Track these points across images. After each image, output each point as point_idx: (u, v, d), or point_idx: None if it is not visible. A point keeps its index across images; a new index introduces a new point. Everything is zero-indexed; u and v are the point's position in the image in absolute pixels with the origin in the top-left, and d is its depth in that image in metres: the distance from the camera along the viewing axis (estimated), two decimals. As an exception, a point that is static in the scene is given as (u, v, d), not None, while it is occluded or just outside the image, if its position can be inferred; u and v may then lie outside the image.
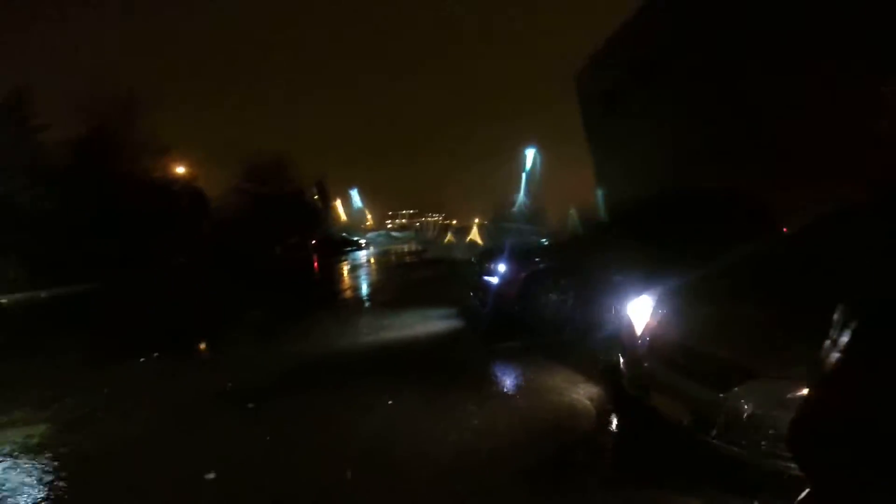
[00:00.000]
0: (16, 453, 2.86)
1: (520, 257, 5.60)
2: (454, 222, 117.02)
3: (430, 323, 6.06)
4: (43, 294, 13.39)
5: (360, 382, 3.81)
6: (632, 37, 14.50)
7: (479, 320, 5.91)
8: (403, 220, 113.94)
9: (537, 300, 5.10)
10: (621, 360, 2.84)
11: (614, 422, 2.83)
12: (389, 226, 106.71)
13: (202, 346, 6.05)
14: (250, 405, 3.44)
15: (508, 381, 3.70)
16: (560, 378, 3.55)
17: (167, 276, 18.39)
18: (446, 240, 49.22)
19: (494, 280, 5.58)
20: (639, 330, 2.67)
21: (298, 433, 2.93)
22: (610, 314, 4.34)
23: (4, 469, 2.67)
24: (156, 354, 5.28)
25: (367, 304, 8.86)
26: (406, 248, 42.21)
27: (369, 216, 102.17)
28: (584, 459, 2.38)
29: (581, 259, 5.31)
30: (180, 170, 27.10)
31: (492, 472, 2.29)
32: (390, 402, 3.28)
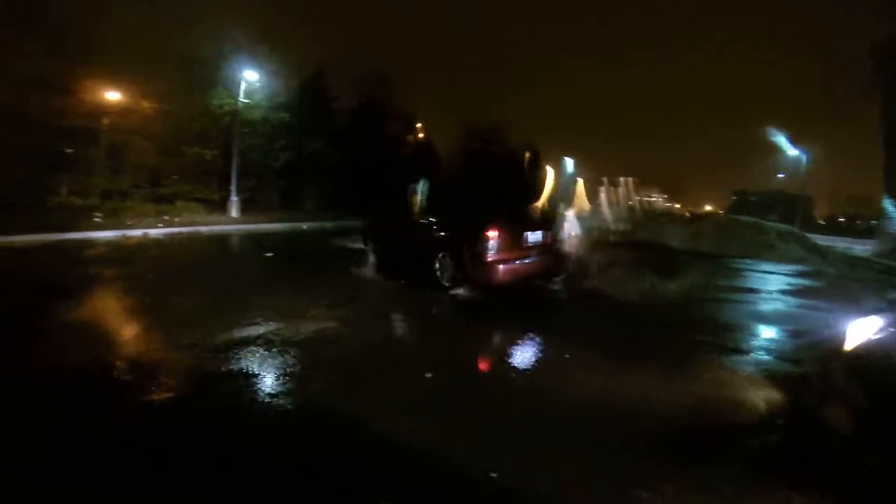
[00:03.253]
0: (310, 339, 4.51)
1: None
2: (678, 206, 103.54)
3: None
4: (328, 225, 18.25)
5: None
6: None
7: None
8: (615, 197, 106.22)
9: None
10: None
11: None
12: (598, 202, 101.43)
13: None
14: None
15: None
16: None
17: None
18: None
19: None
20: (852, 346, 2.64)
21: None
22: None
23: (303, 351, 4.29)
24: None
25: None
26: (613, 226, 39.99)
27: (581, 190, 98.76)
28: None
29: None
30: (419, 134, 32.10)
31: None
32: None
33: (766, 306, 6.99)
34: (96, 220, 12.66)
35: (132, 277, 6.94)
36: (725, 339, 4.97)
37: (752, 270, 11.43)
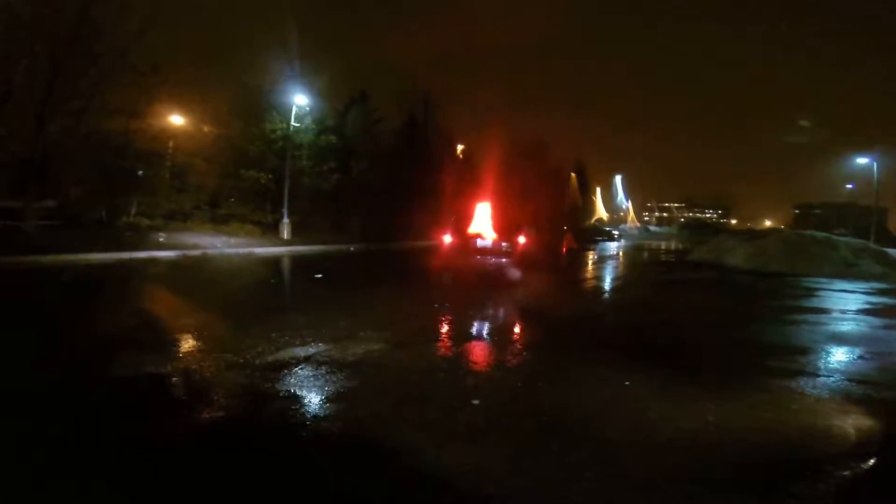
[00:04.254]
0: (357, 363, 4.46)
1: None
2: (733, 222, 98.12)
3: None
4: (373, 247, 18.59)
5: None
6: None
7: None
8: (664, 214, 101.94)
9: None
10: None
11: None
12: (647, 218, 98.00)
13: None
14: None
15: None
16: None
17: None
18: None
19: None
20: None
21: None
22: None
23: (351, 373, 4.24)
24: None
25: (605, 296, 8.90)
26: (664, 245, 38.35)
27: (628, 208, 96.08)
28: None
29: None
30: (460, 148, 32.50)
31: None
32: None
33: (844, 327, 6.32)
34: (160, 239, 13.51)
35: (189, 296, 7.26)
36: (802, 362, 4.49)
37: (826, 289, 10.47)
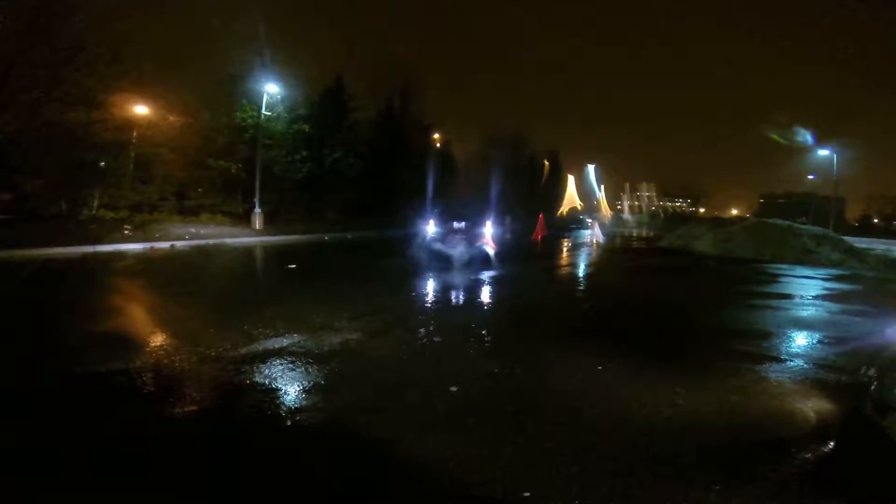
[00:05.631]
0: (334, 353, 4.42)
1: None
2: (702, 211, 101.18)
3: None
4: (349, 236, 18.37)
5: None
6: None
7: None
8: (636, 203, 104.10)
9: None
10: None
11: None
12: (619, 207, 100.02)
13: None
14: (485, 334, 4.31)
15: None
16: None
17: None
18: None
19: None
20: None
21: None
22: None
23: (327, 364, 4.20)
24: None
25: (578, 282, 9.07)
26: (636, 232, 39.28)
27: (601, 197, 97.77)
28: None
29: None
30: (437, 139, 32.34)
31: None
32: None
33: (805, 312, 6.62)
34: (126, 232, 12.99)
35: (158, 289, 7.03)
36: (767, 347, 4.69)
37: (789, 275, 10.94)
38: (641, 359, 4.13)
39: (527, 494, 2.14)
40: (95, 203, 14.95)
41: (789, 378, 3.81)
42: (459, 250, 10.98)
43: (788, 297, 7.98)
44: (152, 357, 3.79)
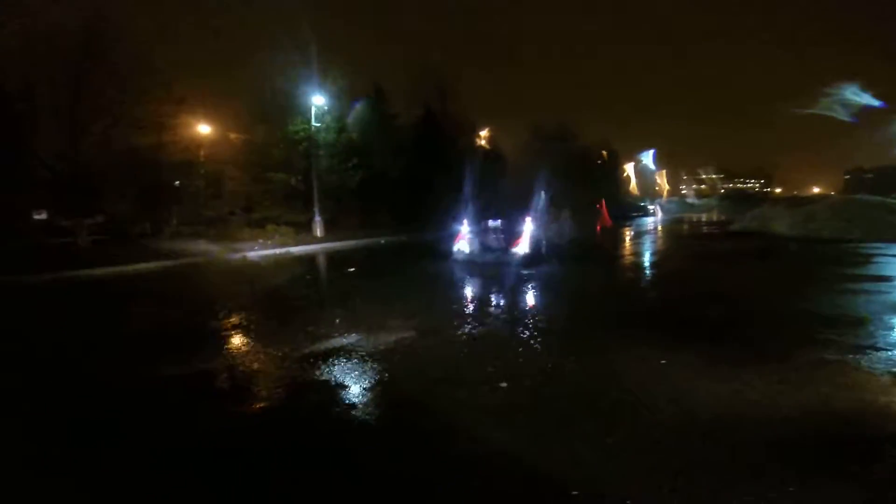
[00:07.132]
0: (390, 351, 4.52)
1: None
2: (778, 190, 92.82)
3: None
4: (403, 238, 18.79)
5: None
6: None
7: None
8: (702, 186, 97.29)
9: None
10: None
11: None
12: (684, 191, 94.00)
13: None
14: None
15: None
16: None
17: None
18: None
19: None
20: None
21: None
22: None
23: (385, 359, 4.30)
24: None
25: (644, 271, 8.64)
26: (704, 217, 36.78)
27: (662, 181, 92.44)
28: None
29: None
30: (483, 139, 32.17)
31: None
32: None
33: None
34: (201, 246, 14.12)
35: (236, 296, 7.58)
36: (861, 335, 4.20)
37: (885, 255, 9.74)
38: (716, 350, 3.88)
39: (575, 493, 2.07)
40: (174, 221, 16.41)
41: (886, 369, 3.39)
42: (488, 251, 10.42)
43: (886, 279, 7.12)
44: (227, 358, 4.11)
